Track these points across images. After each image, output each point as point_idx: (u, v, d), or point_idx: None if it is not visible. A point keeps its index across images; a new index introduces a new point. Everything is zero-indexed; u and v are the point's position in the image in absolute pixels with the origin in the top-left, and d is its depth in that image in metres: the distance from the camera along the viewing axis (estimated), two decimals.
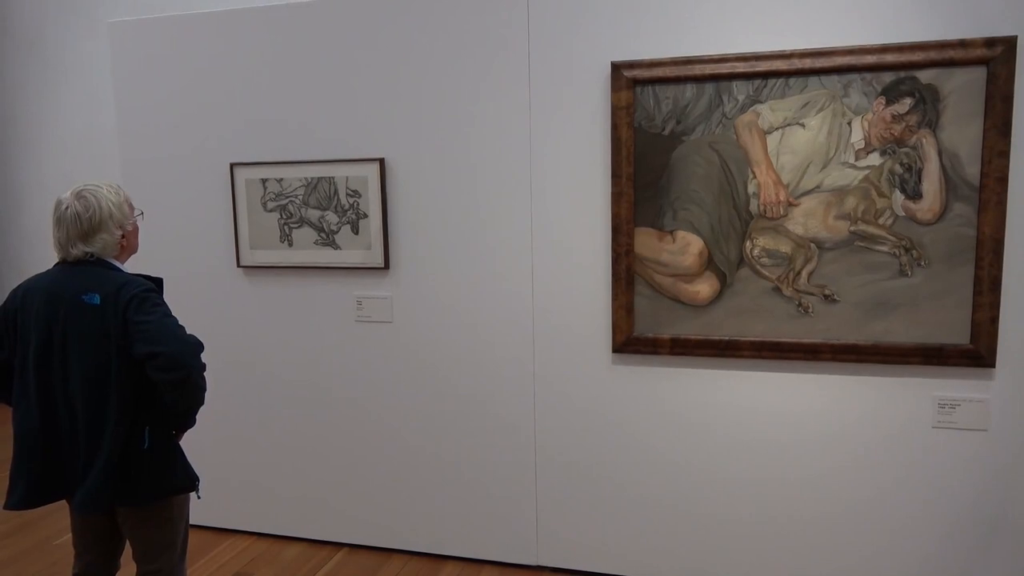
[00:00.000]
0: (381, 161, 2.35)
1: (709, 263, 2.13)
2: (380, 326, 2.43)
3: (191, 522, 1.79)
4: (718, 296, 2.14)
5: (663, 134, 2.12)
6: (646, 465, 2.29)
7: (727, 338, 2.14)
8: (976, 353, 1.98)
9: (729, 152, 2.08)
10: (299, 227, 2.44)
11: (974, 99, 1.91)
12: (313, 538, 2.62)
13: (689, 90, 2.09)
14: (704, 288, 2.15)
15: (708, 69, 2.06)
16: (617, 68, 2.11)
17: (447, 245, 2.34)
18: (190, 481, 1.65)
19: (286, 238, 2.45)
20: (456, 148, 2.30)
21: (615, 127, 2.14)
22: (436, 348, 2.40)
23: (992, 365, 1.97)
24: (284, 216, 2.44)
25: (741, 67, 2.03)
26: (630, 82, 2.11)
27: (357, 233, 2.38)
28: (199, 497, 1.72)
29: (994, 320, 1.97)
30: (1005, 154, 1.90)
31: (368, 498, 2.54)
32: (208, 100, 2.50)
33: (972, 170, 1.94)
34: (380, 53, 2.31)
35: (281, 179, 2.43)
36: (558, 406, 2.33)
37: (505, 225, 2.29)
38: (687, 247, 2.14)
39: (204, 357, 1.57)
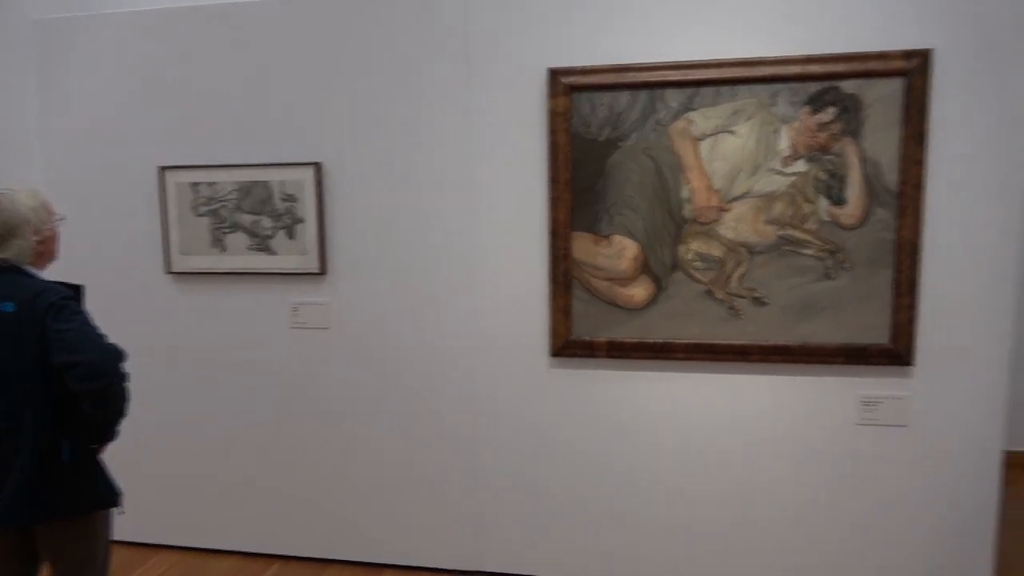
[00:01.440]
0: (317, 165, 2.32)
1: (644, 267, 2.16)
2: (317, 332, 2.39)
3: (115, 538, 1.73)
4: (653, 299, 2.17)
5: (599, 140, 2.15)
6: (583, 468, 2.30)
7: (662, 340, 2.18)
8: (896, 352, 2.07)
9: (663, 158, 2.12)
10: (232, 232, 2.39)
11: (893, 109, 1.99)
12: (246, 551, 2.55)
13: (624, 97, 2.12)
14: (639, 292, 2.18)
15: (642, 77, 2.09)
16: (554, 74, 2.12)
17: (386, 250, 2.32)
18: (112, 495, 1.60)
19: (218, 243, 2.40)
20: (395, 152, 2.28)
21: (552, 133, 2.16)
22: (374, 354, 2.38)
23: (911, 363, 2.06)
24: (216, 221, 2.39)
25: (674, 75, 2.08)
26: (567, 88, 2.13)
27: (293, 238, 2.35)
28: (121, 512, 1.66)
29: (912, 321, 2.05)
30: (921, 163, 1.99)
31: (303, 508, 2.49)
32: (136, 101, 2.42)
33: (892, 177, 2.02)
34: (317, 56, 2.28)
35: (213, 183, 2.38)
36: (498, 411, 2.32)
37: (444, 230, 2.28)
38: (623, 251, 2.17)
39: (130, 366, 1.52)
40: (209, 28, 2.35)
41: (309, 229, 2.32)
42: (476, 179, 2.23)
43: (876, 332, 2.08)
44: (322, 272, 2.33)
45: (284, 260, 2.33)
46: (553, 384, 2.27)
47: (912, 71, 1.95)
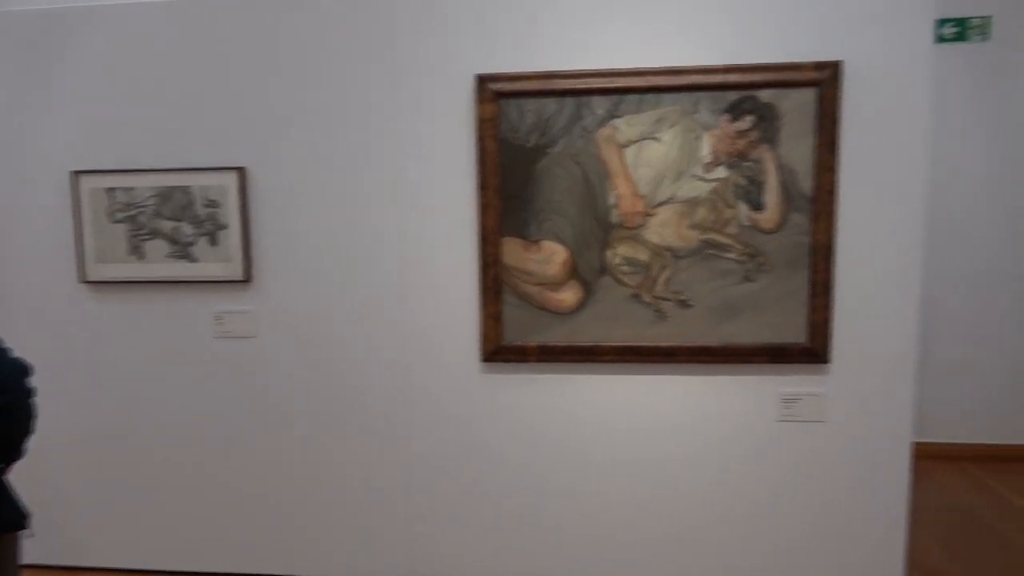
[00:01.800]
0: (241, 170, 2.26)
1: (573, 272, 2.18)
2: (242, 342, 2.33)
3: (32, 562, 1.64)
4: (582, 303, 2.19)
5: (527, 146, 2.15)
6: (516, 474, 2.30)
7: (591, 343, 2.20)
8: (813, 351, 2.15)
9: (590, 164, 2.15)
10: (151, 239, 2.31)
11: (807, 118, 2.06)
12: (172, 569, 2.47)
13: (551, 104, 2.14)
14: (569, 296, 2.20)
15: (569, 84, 2.11)
16: (482, 81, 2.12)
17: (314, 257, 2.27)
18: (19, 518, 1.51)
19: (136, 251, 2.32)
20: (322, 157, 2.24)
21: (481, 139, 2.16)
22: (304, 363, 2.33)
23: (827, 361, 2.14)
24: (134, 227, 2.30)
25: (599, 83, 2.10)
26: (494, 95, 2.14)
27: (216, 245, 2.28)
28: (30, 535, 1.57)
29: (827, 320, 2.14)
30: (833, 169, 2.07)
31: (231, 523, 2.42)
32: (47, 102, 2.31)
33: (806, 183, 2.10)
34: (240, 56, 2.22)
35: (131, 188, 2.29)
36: (431, 418, 2.31)
37: (374, 236, 2.25)
38: (552, 256, 2.19)
39: (41, 380, 1.46)
40: (125, 27, 2.25)
41: (233, 235, 2.26)
42: (405, 185, 2.21)
43: (795, 332, 2.15)
44: (247, 279, 2.28)
45: (207, 268, 2.26)
46: (485, 390, 2.27)
47: (824, 81, 2.03)
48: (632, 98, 2.10)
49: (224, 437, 2.39)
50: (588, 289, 2.18)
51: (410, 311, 2.26)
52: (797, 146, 2.08)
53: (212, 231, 2.25)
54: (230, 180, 2.23)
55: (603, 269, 2.17)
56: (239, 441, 2.39)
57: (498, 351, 2.22)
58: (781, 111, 2.07)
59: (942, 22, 3.67)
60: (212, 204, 2.25)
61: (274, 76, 2.21)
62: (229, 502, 2.42)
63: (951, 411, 3.97)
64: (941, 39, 3.58)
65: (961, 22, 3.64)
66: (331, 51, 2.19)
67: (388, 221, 2.23)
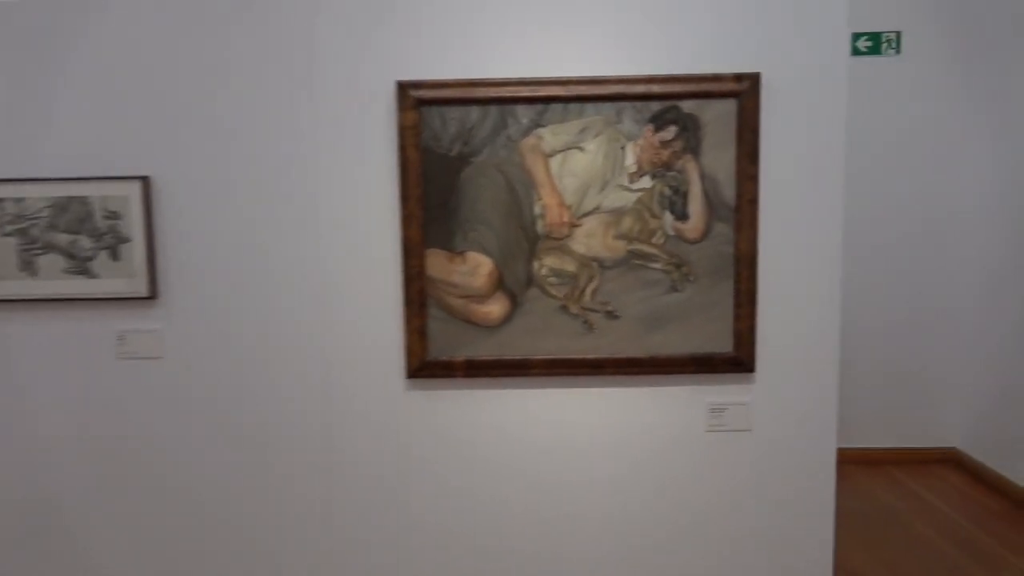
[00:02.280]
0: (145, 179, 2.14)
1: (500, 284, 2.16)
2: (148, 363, 2.20)
3: None
4: (509, 316, 2.17)
5: (451, 155, 2.12)
6: (444, 494, 2.24)
7: (519, 357, 2.17)
8: (739, 360, 2.17)
9: (515, 174, 2.13)
10: (44, 254, 2.15)
11: (728, 128, 2.09)
12: None
13: (475, 112, 2.11)
14: (496, 309, 2.17)
15: (492, 92, 2.08)
16: (403, 87, 2.07)
17: (225, 271, 2.17)
18: None
19: (28, 267, 2.16)
20: (234, 166, 2.14)
21: (402, 148, 2.11)
22: (215, 385, 2.22)
23: (752, 370, 2.16)
24: (25, 241, 2.14)
25: (523, 91, 2.08)
26: (416, 102, 2.09)
27: (117, 260, 2.15)
28: None
29: (752, 329, 2.16)
30: (754, 178, 2.10)
31: (138, 555, 2.28)
32: None
33: (729, 193, 2.12)
34: (145, 58, 2.10)
35: (21, 199, 2.13)
36: (355, 438, 2.23)
37: (290, 249, 2.17)
38: (478, 268, 2.16)
39: None
40: (11, 21, 2.10)
41: (136, 249, 2.13)
42: (324, 195, 2.14)
43: (721, 341, 2.17)
44: (152, 296, 2.16)
45: (108, 284, 2.13)
46: (411, 407, 2.21)
47: (744, 93, 2.06)
48: (557, 107, 2.09)
49: (126, 465, 2.24)
50: (515, 301, 2.16)
51: (330, 327, 2.18)
52: (720, 156, 2.10)
53: (113, 244, 2.12)
54: (133, 190, 2.11)
55: (530, 280, 2.15)
56: (143, 468, 2.25)
57: (424, 367, 2.17)
58: (703, 121, 2.09)
59: (857, 36, 3.84)
60: (113, 216, 2.12)
61: (181, 81, 2.11)
62: (134, 534, 2.27)
63: (872, 415, 4.13)
64: (856, 52, 3.74)
65: (875, 36, 3.82)
66: (243, 55, 2.10)
67: (305, 234, 2.16)
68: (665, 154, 2.10)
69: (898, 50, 3.88)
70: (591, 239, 2.13)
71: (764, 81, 2.07)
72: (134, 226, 2.12)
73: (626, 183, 2.12)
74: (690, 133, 2.09)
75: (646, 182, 2.12)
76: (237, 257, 2.16)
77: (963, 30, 3.90)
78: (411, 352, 2.17)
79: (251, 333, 2.19)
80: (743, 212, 2.12)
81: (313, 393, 2.22)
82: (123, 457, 2.26)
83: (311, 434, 2.24)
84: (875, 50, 3.90)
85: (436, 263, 2.15)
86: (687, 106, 2.09)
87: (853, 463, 3.93)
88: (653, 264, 2.14)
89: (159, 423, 2.23)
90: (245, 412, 2.23)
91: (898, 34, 3.85)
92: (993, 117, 3.89)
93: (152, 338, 2.19)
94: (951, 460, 4.16)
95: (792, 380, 2.18)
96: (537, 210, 2.13)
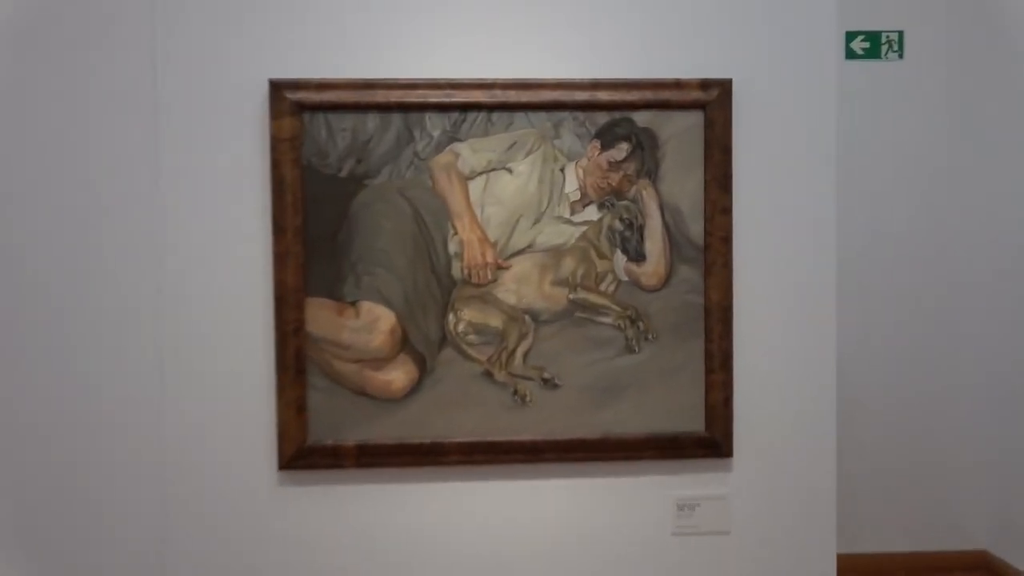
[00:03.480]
0: None
1: (404, 343, 2.12)
2: None
3: None
4: (417, 385, 2.13)
5: (340, 176, 2.10)
6: None
7: (430, 440, 2.13)
8: (712, 441, 2.16)
9: (424, 201, 2.12)
10: None
11: (693, 147, 2.13)
12: None
13: (372, 121, 2.10)
14: (398, 376, 2.13)
15: (394, 96, 2.08)
16: (278, 88, 2.05)
17: (38, 324, 2.07)
18: None
19: None
20: (54, 188, 2.06)
21: (276, 165, 2.08)
22: (28, 477, 2.08)
23: (729, 454, 2.16)
24: None
25: (434, 96, 2.08)
26: (295, 107, 2.07)
27: None
28: None
29: (728, 401, 2.17)
30: (728, 211, 2.13)
31: None
32: None
33: (696, 228, 2.15)
34: None
35: None
36: (204, 558, 2.13)
37: (124, 297, 2.09)
38: (375, 323, 2.12)
39: None
40: None
41: None
42: (172, 227, 2.08)
43: (689, 417, 2.17)
44: None
45: None
46: (284, 509, 2.14)
47: (711, 103, 2.11)
48: (478, 117, 2.10)
49: None
50: (424, 366, 2.13)
51: (174, 402, 2.10)
52: (683, 181, 2.13)
53: None
54: None
55: (443, 339, 2.13)
56: None
57: (302, 454, 2.11)
58: (662, 138, 2.12)
59: (851, 35, 4.00)
60: None
61: None
62: None
63: (880, 512, 4.11)
64: (851, 55, 3.91)
65: (873, 37, 4.00)
66: (71, 43, 2.05)
67: (144, 276, 2.09)
68: (615, 178, 2.12)
69: (900, 53, 4.04)
70: (523, 286, 2.13)
71: (737, 89, 2.11)
72: None
73: (566, 214, 2.13)
74: (646, 152, 2.12)
75: (591, 213, 2.13)
76: (53, 306, 2.07)
77: (977, 30, 4.07)
78: (285, 435, 2.10)
79: (63, 407, 2.08)
80: (713, 252, 2.14)
81: (146, 494, 2.11)
82: None
83: (143, 551, 2.12)
84: (873, 52, 4.07)
85: (320, 316, 2.10)
86: (642, 118, 2.12)
87: (858, 573, 3.92)
88: (602, 318, 2.14)
89: None
90: (51, 519, 2.10)
91: (900, 34, 4.02)
92: (1013, 134, 4.03)
93: None
94: (981, 566, 4.19)
95: (779, 467, 2.18)
96: (453, 248, 2.12)
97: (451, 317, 2.12)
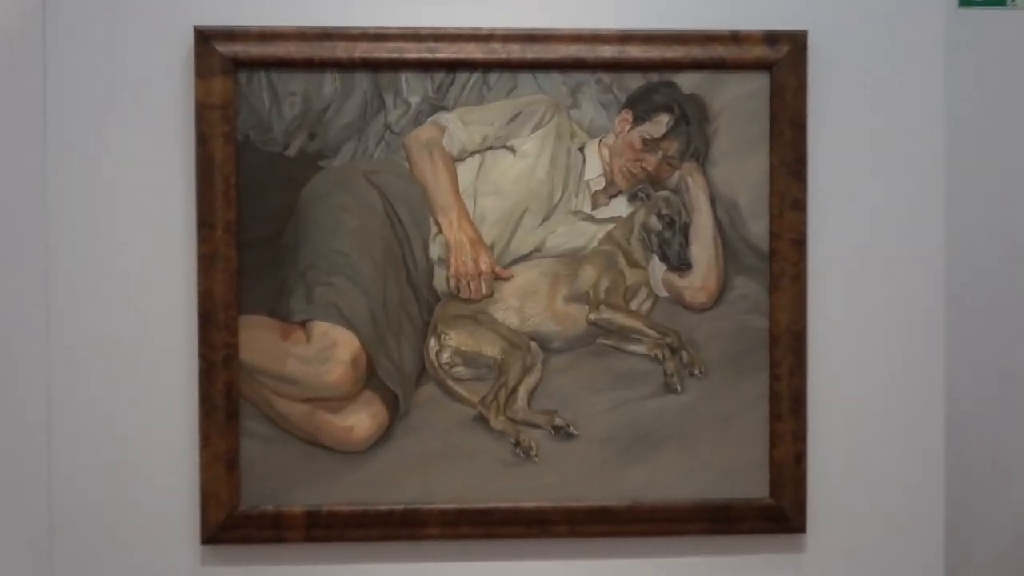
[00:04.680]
0: None
1: (370, 377, 1.95)
2: None
3: None
4: (386, 433, 1.97)
5: (287, 155, 1.94)
6: None
7: (403, 506, 1.95)
8: (778, 512, 1.96)
9: (398, 189, 1.96)
10: None
11: (755, 121, 1.97)
12: None
13: (329, 83, 1.92)
14: (362, 421, 1.98)
15: (359, 50, 1.90)
16: (205, 39, 1.89)
17: None
18: None
19: None
20: None
21: (203, 141, 1.91)
22: None
23: (802, 529, 1.98)
24: None
25: (412, 50, 1.90)
26: (228, 63, 1.90)
27: None
28: None
29: (800, 458, 1.98)
30: (801, 205, 1.95)
31: None
32: None
33: (758, 227, 1.97)
34: None
35: None
36: None
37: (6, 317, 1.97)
38: (331, 350, 1.96)
39: None
40: None
41: None
42: (56, 225, 1.98)
43: (747, 479, 1.98)
44: None
45: None
46: None
47: (779, 62, 1.92)
48: (470, 79, 1.96)
49: None
50: (396, 408, 1.97)
51: (59, 455, 1.99)
52: (741, 166, 1.96)
53: None
54: None
55: (422, 372, 1.97)
56: None
57: (234, 523, 1.96)
58: (713, 108, 1.95)
59: None
60: None
61: None
62: None
63: None
64: (965, 1, 3.83)
65: None
66: None
67: (23, 292, 2.03)
68: (652, 161, 1.98)
69: None
70: (528, 302, 1.99)
71: (813, 44, 1.96)
72: None
73: (586, 208, 1.99)
74: (692, 127, 1.96)
75: (620, 207, 1.99)
76: None
77: None
78: (210, 498, 1.94)
79: None
80: (782, 259, 1.97)
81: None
82: None
83: None
84: None
85: (259, 341, 1.95)
86: (687, 82, 1.95)
87: None
88: (632, 346, 1.99)
89: None
90: None
91: None
92: None
93: None
94: None
95: (868, 547, 2.04)
96: (436, 251, 1.97)
97: (433, 343, 1.97)
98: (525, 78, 1.97)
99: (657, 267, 2.00)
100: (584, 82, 1.96)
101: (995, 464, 3.51)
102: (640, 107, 1.97)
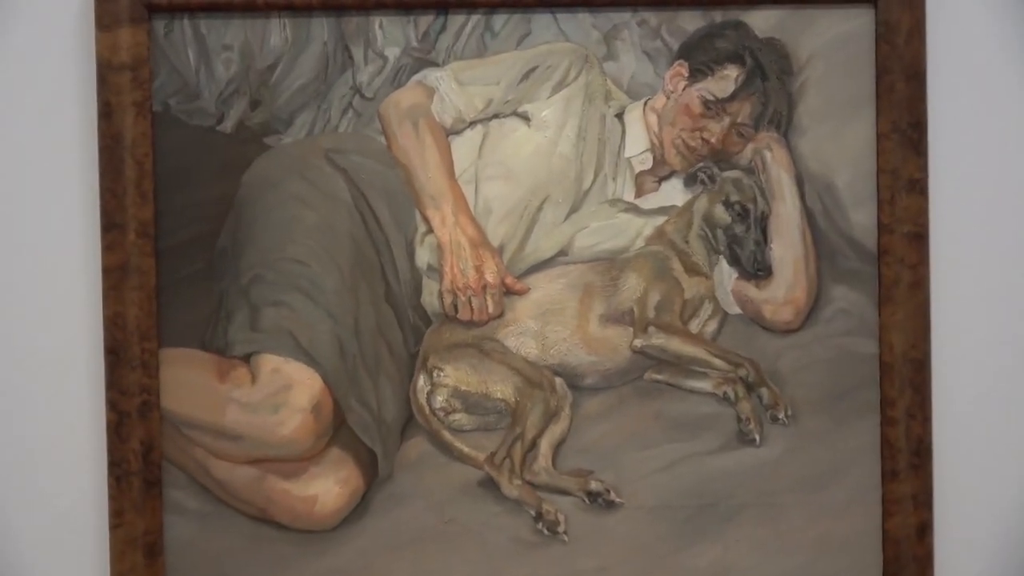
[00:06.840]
0: None
1: (338, 429, 1.77)
2: None
3: None
4: (362, 505, 1.80)
5: (221, 130, 1.80)
6: None
7: None
8: None
9: (372, 174, 1.80)
10: None
11: (856, 74, 1.77)
12: None
13: (276, 31, 1.76)
14: (329, 489, 1.77)
15: None
16: None
17: None
18: None
19: None
20: None
21: (108, 112, 1.73)
22: None
23: None
24: None
25: None
26: (139, 7, 1.76)
27: None
28: None
29: (925, 530, 1.77)
30: (921, 186, 1.72)
31: None
32: None
33: (862, 217, 1.75)
34: None
35: None
36: None
37: None
38: (285, 393, 1.73)
39: None
40: None
41: None
42: None
43: (853, 559, 1.80)
44: None
45: None
46: None
47: None
48: (467, 23, 1.80)
49: None
50: (374, 471, 1.78)
51: None
52: (838, 135, 1.78)
53: None
54: None
55: (408, 421, 1.80)
56: None
57: None
58: (801, 58, 1.78)
59: None
60: None
61: None
62: None
63: None
64: None
65: None
66: None
67: None
68: (716, 130, 1.75)
69: None
70: (551, 324, 1.77)
71: None
72: None
73: (629, 196, 1.81)
74: (770, 84, 1.76)
75: (674, 192, 1.79)
76: None
77: None
78: None
79: None
80: (895, 261, 1.76)
81: None
82: None
83: None
84: None
85: (188, 382, 1.78)
86: (764, 22, 1.76)
87: None
88: (694, 381, 1.77)
89: None
90: None
91: None
92: None
93: None
94: None
95: None
96: (425, 257, 1.78)
97: (422, 382, 1.76)
98: (542, 20, 1.81)
99: (726, 274, 1.82)
100: (623, 23, 1.79)
101: None
102: (699, 57, 1.78)
